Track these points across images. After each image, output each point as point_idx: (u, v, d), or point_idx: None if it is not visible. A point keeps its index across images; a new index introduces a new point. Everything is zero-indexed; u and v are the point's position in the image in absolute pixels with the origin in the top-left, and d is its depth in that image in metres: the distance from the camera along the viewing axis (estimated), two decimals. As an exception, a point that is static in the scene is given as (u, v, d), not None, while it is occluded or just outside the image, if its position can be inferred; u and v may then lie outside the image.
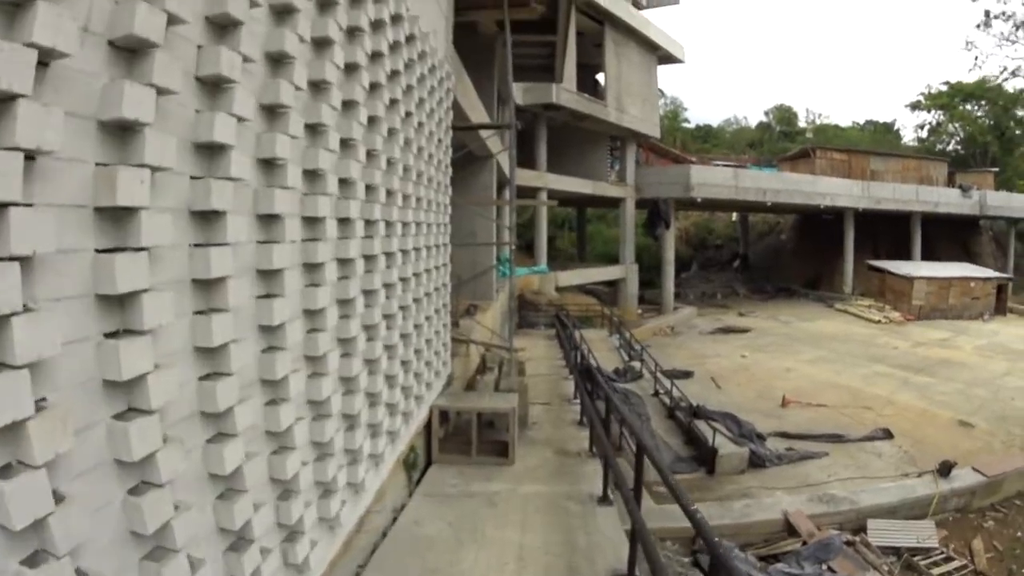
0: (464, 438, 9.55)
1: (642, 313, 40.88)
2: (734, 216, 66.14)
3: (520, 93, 29.91)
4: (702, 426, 17.32)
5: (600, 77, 40.13)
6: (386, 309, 6.46)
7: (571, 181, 35.39)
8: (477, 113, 14.44)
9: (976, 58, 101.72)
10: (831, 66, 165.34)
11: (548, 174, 33.95)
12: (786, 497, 13.89)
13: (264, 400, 3.91)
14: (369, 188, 5.76)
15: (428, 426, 9.18)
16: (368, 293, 5.85)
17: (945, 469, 15.25)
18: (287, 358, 4.01)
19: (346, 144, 5.12)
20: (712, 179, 41.26)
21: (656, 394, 20.76)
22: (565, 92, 32.32)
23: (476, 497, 7.97)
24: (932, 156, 60.78)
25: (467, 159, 17.27)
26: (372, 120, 5.76)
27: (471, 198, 15.43)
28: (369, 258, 5.81)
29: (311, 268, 4.52)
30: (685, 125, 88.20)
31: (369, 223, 5.81)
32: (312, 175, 4.52)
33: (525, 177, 31.29)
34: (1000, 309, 44.72)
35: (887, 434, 18.81)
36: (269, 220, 3.88)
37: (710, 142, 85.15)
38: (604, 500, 7.94)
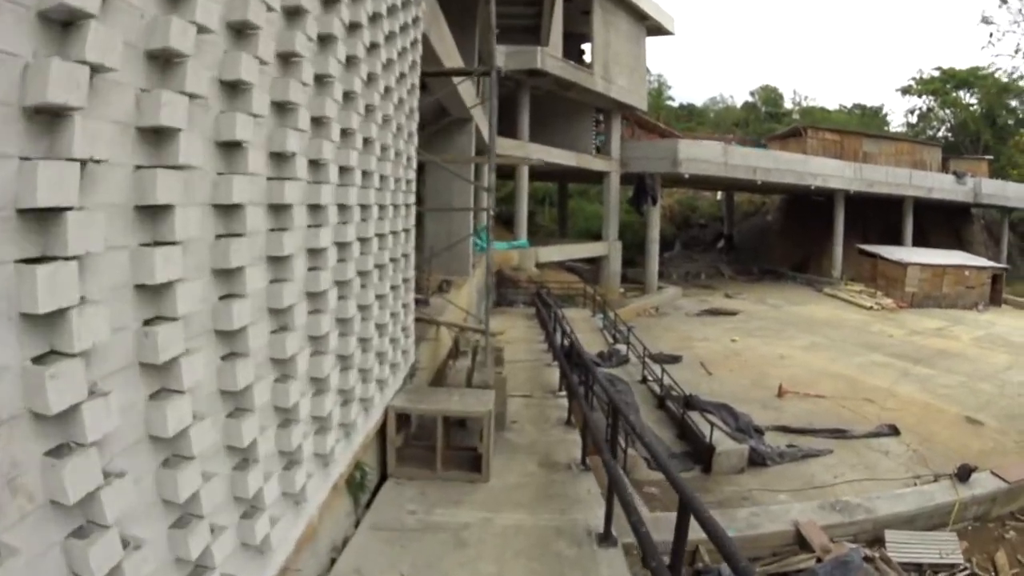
0: (428, 444, 7.88)
1: (625, 292, 39.64)
2: (719, 195, 65.13)
3: (503, 58, 28.15)
4: (696, 419, 15.76)
5: (587, 48, 38.66)
6: (310, 286, 4.72)
7: (554, 152, 33.68)
8: (454, 63, 12.77)
9: (991, 35, 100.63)
10: (818, 48, 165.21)
11: (530, 144, 32.35)
12: (796, 504, 12.33)
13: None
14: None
15: (384, 430, 7.51)
16: (276, 260, 4.16)
17: (964, 473, 13.79)
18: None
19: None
20: (701, 155, 39.90)
21: (644, 381, 19.21)
22: (550, 58, 30.63)
23: (440, 532, 6.20)
24: (926, 141, 59.96)
25: (444, 122, 15.76)
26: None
27: (445, 156, 13.59)
28: (278, 208, 4.14)
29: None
30: (669, 103, 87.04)
31: (280, 158, 4.15)
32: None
33: (507, 147, 29.84)
34: (995, 299, 43.52)
35: (893, 430, 17.44)
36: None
37: (694, 121, 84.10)
38: (607, 539, 6.17)
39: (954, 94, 69.02)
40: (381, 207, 6.75)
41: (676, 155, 38.46)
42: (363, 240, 6.08)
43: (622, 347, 21.83)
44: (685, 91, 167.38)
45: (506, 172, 35.37)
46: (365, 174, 6.01)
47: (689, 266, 53.72)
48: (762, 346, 27.78)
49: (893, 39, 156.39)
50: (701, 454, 14.69)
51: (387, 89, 6.73)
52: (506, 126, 30.84)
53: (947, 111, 70.80)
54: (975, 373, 24.21)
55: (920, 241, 49.01)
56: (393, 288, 7.52)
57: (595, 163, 38.25)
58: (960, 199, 50.47)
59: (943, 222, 52.78)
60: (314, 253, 4.75)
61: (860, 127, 67.98)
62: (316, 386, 4.96)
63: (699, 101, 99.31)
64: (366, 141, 6.02)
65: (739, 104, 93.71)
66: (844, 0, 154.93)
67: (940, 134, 70.08)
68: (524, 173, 31.95)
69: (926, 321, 35.66)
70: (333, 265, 5.16)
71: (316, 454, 4.98)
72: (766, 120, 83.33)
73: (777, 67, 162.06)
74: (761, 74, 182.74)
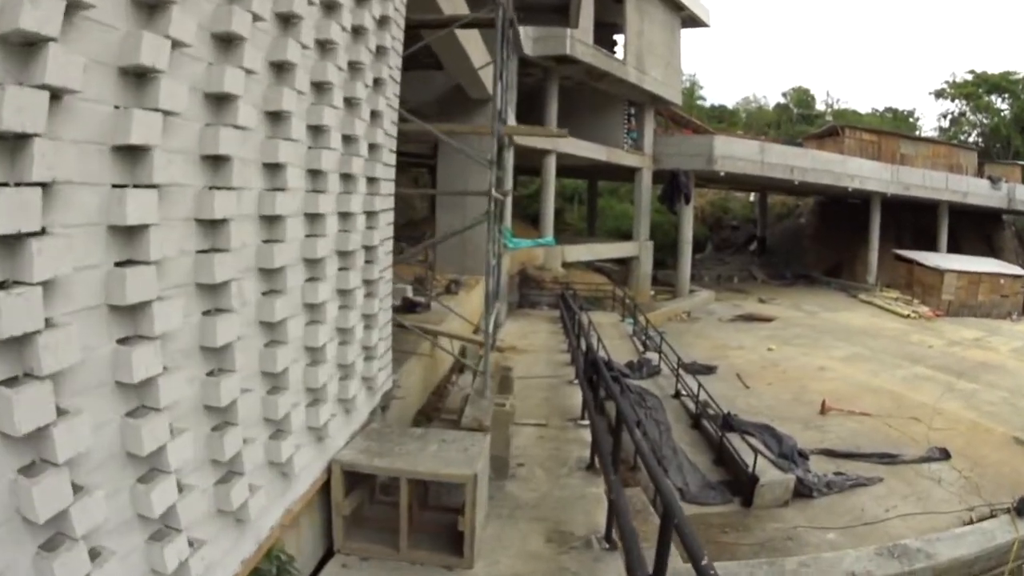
0: (391, 509, 6.04)
1: (655, 295, 38.28)
2: (752, 196, 63.73)
3: (529, 43, 26.83)
4: (736, 442, 14.39)
5: (619, 40, 36.99)
6: (203, 275, 3.60)
7: (584, 145, 32.19)
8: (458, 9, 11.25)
9: None
10: (851, 50, 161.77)
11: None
12: (851, 552, 10.86)
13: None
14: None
15: (328, 486, 5.82)
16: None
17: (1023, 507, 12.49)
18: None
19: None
20: (737, 151, 38.37)
21: (677, 395, 17.73)
22: (581, 44, 29.00)
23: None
24: (962, 145, 58.74)
25: (458, 102, 14.36)
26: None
27: (441, 125, 11.49)
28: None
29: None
30: (701, 103, 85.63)
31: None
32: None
33: (533, 138, 28.22)
34: (1029, 309, 42.14)
35: (944, 454, 16.21)
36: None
37: (726, 121, 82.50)
38: None
39: (986, 98, 67.73)
40: (343, 179, 5.32)
41: (712, 152, 36.96)
42: (313, 218, 4.71)
43: (653, 356, 20.39)
44: (717, 92, 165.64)
45: (532, 168, 33.92)
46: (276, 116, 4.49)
47: (721, 269, 52.35)
48: (800, 356, 26.53)
49: (926, 41, 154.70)
50: (742, 484, 13.32)
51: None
52: (534, 117, 29.71)
53: (979, 116, 69.47)
54: (1018, 388, 23.02)
55: (952, 247, 47.74)
56: (344, 294, 5.76)
57: (627, 158, 36.74)
58: (994, 205, 49.38)
59: (974, 228, 51.45)
60: (211, 226, 3.71)
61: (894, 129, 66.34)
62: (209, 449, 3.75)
63: (731, 103, 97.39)
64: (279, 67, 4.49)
65: (771, 106, 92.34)
66: (877, 2, 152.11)
67: (972, 139, 68.74)
68: (551, 166, 30.40)
69: (963, 331, 34.39)
70: (250, 253, 4.04)
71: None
72: (798, 122, 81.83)
73: (809, 68, 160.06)
74: (793, 75, 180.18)
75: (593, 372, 10.61)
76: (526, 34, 25.25)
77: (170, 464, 3.23)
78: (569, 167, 35.74)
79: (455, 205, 16.28)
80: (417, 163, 31.74)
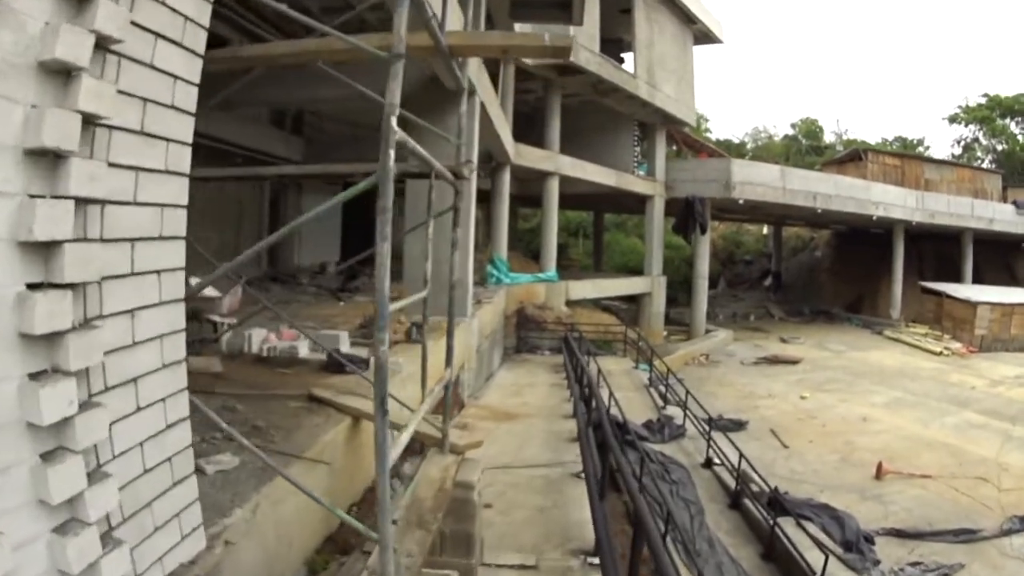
0: None
1: (668, 335, 35.52)
2: (765, 229, 61.71)
3: (525, 42, 23.99)
4: (790, 529, 11.12)
5: (627, 58, 34.02)
6: None
7: (591, 168, 29.55)
8: None
9: None
10: (857, 81, 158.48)
11: (562, 156, 28.10)
12: None
13: None
14: None
15: None
16: None
17: None
18: None
19: None
20: (757, 177, 35.67)
21: (709, 464, 14.31)
22: (586, 51, 26.18)
23: None
24: (986, 168, 56.94)
25: (427, 95, 11.46)
26: None
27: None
28: None
29: None
30: (708, 135, 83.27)
31: None
32: None
33: (533, 158, 25.86)
34: (1060, 342, 40.19)
35: None
36: None
37: (733, 153, 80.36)
38: None
39: (1000, 122, 66.17)
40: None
41: (730, 177, 34.31)
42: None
43: (675, 411, 17.14)
44: (724, 126, 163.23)
45: (533, 197, 31.17)
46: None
47: (736, 306, 49.93)
48: (838, 404, 23.90)
49: (934, 69, 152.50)
50: (799, 589, 10.16)
51: None
52: (533, 139, 26.92)
53: (992, 140, 67.82)
54: (1072, 433, 21.04)
55: (974, 278, 45.76)
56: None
57: (637, 184, 33.98)
58: (1020, 231, 47.14)
59: (996, 257, 49.40)
60: None
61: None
62: None
63: (737, 136, 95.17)
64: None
65: (779, 137, 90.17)
66: (877, 34, 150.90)
67: (986, 164, 66.66)
68: (553, 192, 27.62)
69: (1001, 368, 32.10)
70: None
71: None
72: (808, 153, 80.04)
73: (817, 99, 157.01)
74: (800, 108, 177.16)
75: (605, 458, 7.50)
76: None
77: None
78: (573, 196, 32.81)
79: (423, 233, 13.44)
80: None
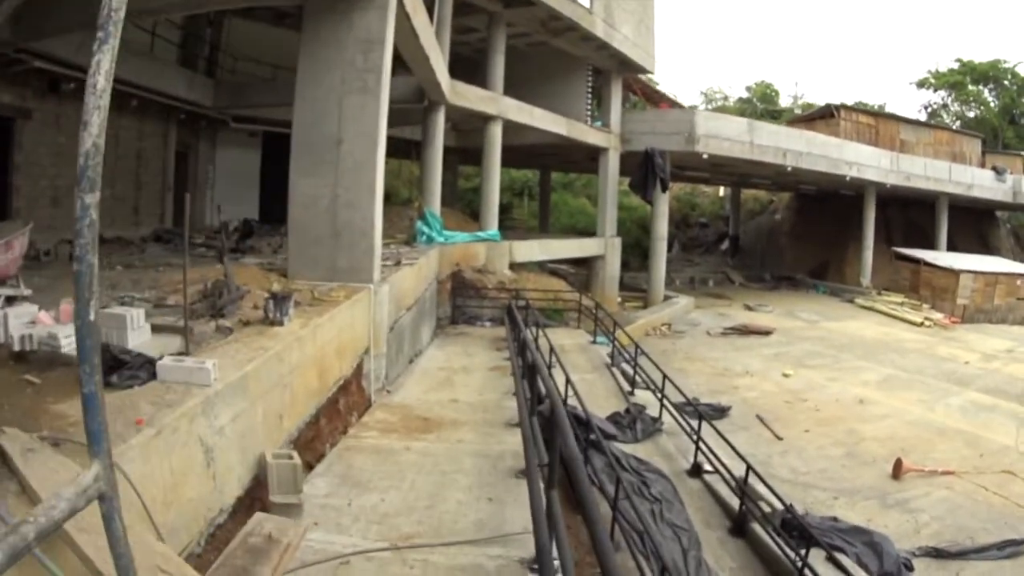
0: None
1: (623, 302, 32.44)
2: (722, 191, 59.45)
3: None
4: (820, 566, 7.90)
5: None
6: None
7: (539, 114, 26.31)
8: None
9: None
10: (813, 46, 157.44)
11: (506, 98, 24.72)
12: None
13: None
14: None
15: None
16: None
17: None
18: None
19: None
20: (723, 130, 32.33)
21: (697, 471, 10.83)
22: (535, -24, 22.69)
23: None
24: (966, 131, 54.45)
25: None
26: None
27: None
28: None
29: None
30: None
31: None
32: None
33: (472, 98, 22.50)
34: (1041, 312, 38.87)
35: None
36: None
37: (684, 117, 78.22)
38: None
39: (972, 88, 64.61)
40: None
41: (693, 129, 30.89)
42: None
43: (645, 397, 13.66)
44: (675, 88, 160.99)
45: (474, 153, 28.00)
46: None
47: (692, 271, 47.60)
48: (827, 383, 21.15)
49: (899, 37, 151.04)
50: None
51: None
52: (476, 83, 23.60)
53: (961, 106, 66.54)
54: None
55: (947, 245, 44.28)
56: None
57: (590, 135, 30.63)
58: (999, 198, 45.86)
59: (969, 225, 48.17)
60: None
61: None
62: None
63: (689, 99, 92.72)
64: None
65: (732, 102, 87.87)
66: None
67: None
68: (495, 139, 24.26)
69: (990, 340, 30.47)
70: None
71: None
72: (762, 116, 77.64)
73: (774, 64, 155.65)
74: (754, 71, 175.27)
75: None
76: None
77: None
78: (518, 150, 29.57)
79: (325, 167, 9.95)
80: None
